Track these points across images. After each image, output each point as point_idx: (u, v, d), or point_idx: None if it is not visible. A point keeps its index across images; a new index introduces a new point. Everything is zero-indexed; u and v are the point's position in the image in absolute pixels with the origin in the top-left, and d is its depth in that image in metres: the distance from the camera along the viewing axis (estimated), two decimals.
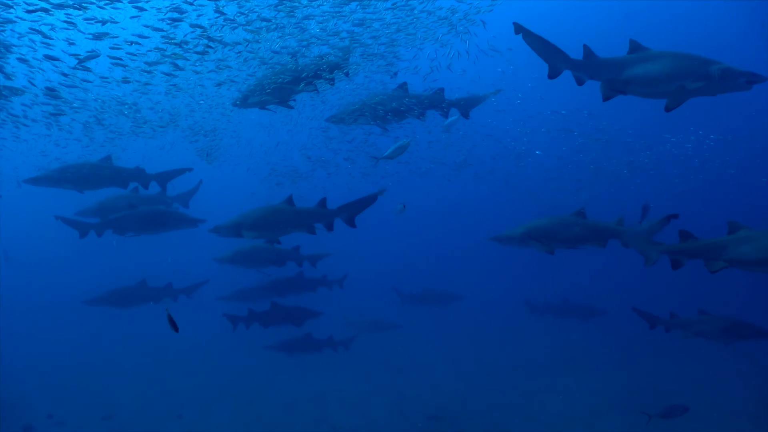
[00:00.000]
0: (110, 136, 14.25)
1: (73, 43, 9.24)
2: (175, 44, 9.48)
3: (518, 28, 6.72)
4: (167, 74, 10.43)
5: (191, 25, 9.25)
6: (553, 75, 7.03)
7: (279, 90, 9.72)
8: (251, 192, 22.14)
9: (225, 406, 13.16)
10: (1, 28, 9.23)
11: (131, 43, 9.16)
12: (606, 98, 6.86)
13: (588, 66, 6.87)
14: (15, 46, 9.68)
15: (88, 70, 9.84)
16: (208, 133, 16.22)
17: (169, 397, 13.76)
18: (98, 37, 8.74)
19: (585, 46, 6.82)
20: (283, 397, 13.50)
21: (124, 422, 12.33)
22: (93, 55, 9.22)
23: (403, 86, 10.55)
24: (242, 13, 9.69)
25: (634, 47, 6.72)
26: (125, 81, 10.87)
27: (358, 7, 10.18)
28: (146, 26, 9.16)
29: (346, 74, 10.35)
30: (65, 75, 9.98)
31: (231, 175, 28.52)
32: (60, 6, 8.58)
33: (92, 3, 8.61)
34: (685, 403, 9.35)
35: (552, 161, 26.38)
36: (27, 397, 13.67)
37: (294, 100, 10.28)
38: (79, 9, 8.64)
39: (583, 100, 14.90)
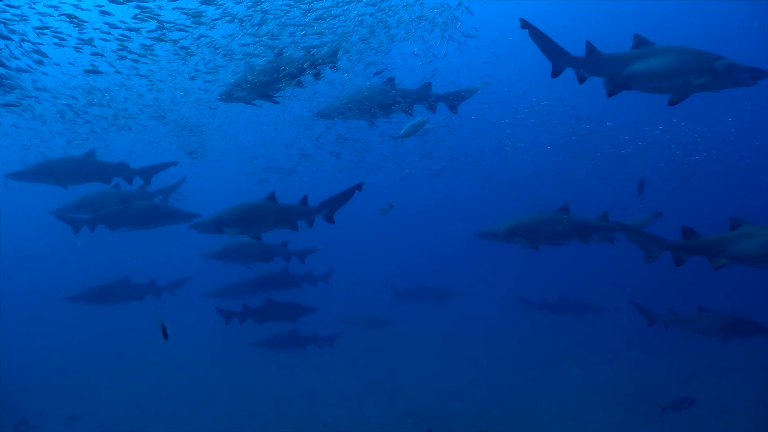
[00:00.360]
0: (94, 130, 13.80)
1: (44, 33, 8.83)
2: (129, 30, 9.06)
3: (524, 24, 6.58)
4: (122, 57, 9.97)
5: (139, 8, 8.76)
6: (556, 73, 6.92)
7: (261, 85, 9.49)
8: (236, 188, 21.80)
9: (217, 403, 13.03)
10: None
11: (76, 22, 8.53)
12: (610, 94, 6.75)
13: (591, 63, 6.75)
14: None
15: (45, 55, 9.36)
16: (194, 129, 15.84)
17: (161, 395, 13.68)
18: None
19: (588, 43, 6.70)
20: (274, 394, 13.39)
21: (120, 419, 12.24)
22: (89, 43, 8.83)
23: (390, 81, 10.41)
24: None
25: (639, 42, 6.59)
26: (93, 71, 10.37)
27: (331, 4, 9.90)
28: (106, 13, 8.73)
29: (332, 68, 10.15)
30: (16, 58, 9.54)
31: (217, 171, 28.07)
32: None
33: None
34: (691, 396, 9.44)
35: (538, 155, 26.36)
36: (20, 393, 13.54)
37: (279, 95, 10.05)
38: None
39: (568, 92, 14.82)
